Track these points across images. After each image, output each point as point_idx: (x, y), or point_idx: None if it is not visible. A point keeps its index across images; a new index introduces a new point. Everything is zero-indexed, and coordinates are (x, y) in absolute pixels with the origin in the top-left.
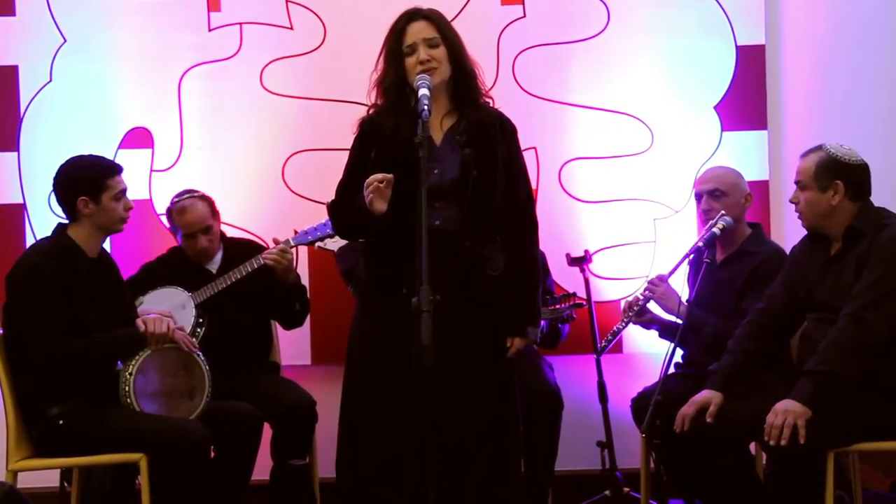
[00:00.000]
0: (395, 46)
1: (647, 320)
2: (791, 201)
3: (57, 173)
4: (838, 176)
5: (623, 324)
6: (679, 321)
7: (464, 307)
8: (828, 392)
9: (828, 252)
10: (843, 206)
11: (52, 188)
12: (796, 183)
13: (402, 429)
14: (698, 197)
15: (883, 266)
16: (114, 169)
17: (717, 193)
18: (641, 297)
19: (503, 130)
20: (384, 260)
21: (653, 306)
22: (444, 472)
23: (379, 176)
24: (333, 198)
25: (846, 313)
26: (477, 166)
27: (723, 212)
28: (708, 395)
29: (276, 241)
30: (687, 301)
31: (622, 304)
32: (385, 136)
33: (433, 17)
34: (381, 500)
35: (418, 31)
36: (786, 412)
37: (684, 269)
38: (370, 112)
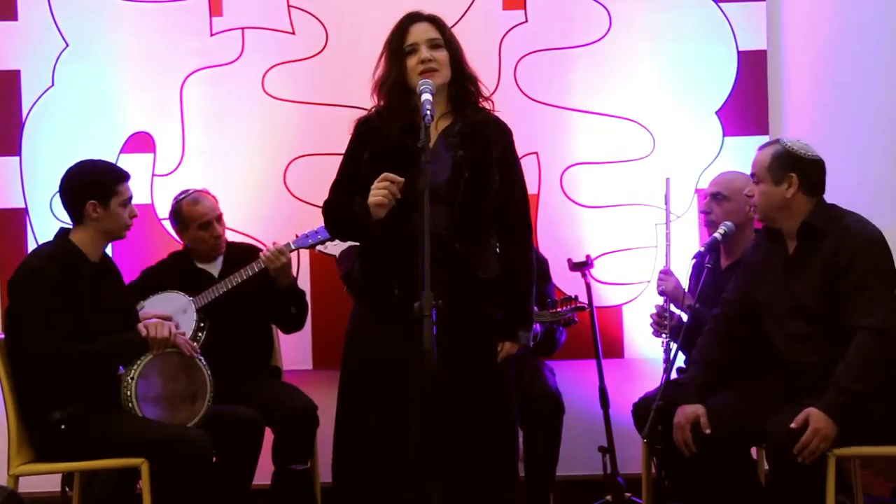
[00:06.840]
0: (397, 46)
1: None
2: (746, 194)
3: (66, 175)
4: (793, 169)
5: (665, 339)
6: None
7: (453, 310)
8: (857, 408)
9: (785, 252)
10: (797, 200)
11: (58, 190)
12: (752, 176)
13: (403, 430)
14: (704, 196)
15: (878, 273)
16: (123, 175)
17: (718, 197)
18: (657, 306)
19: (499, 133)
20: (376, 262)
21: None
22: (446, 472)
23: (392, 176)
24: (327, 197)
25: (866, 327)
26: (469, 168)
27: (727, 223)
28: (692, 410)
29: (276, 245)
30: (689, 307)
31: (650, 320)
32: (380, 137)
33: (436, 20)
34: (384, 502)
35: (421, 31)
36: (823, 438)
37: (687, 272)
38: (370, 112)
